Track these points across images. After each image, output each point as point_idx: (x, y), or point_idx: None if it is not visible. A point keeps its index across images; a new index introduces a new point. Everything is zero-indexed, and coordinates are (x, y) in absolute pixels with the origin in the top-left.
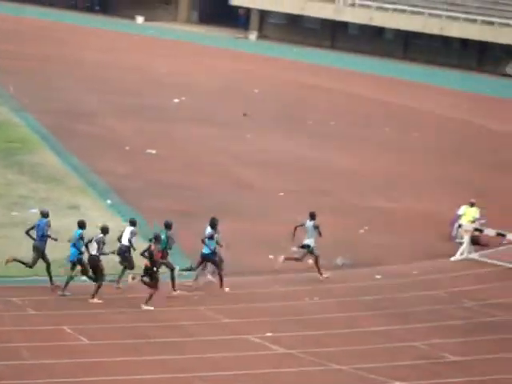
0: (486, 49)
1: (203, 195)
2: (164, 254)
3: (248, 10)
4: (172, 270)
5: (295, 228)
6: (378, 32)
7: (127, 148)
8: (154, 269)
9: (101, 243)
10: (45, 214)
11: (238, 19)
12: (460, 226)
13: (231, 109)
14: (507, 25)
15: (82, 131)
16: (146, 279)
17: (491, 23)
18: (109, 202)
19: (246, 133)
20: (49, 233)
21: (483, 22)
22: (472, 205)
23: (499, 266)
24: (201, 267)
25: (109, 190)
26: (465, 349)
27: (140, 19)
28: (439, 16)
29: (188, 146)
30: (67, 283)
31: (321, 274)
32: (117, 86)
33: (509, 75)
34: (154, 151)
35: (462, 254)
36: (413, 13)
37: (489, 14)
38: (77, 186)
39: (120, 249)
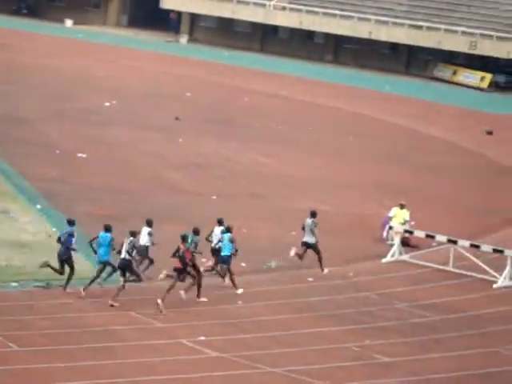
0: (414, 52)
1: (135, 199)
2: (192, 257)
3: (179, 14)
4: (194, 277)
5: (303, 228)
6: (308, 36)
7: (57, 152)
8: (188, 269)
9: (132, 246)
10: (71, 222)
11: (168, 23)
12: (391, 227)
13: (163, 113)
14: (435, 28)
15: (13, 136)
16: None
17: (419, 27)
18: (38, 206)
19: (178, 136)
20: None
21: (411, 25)
22: (402, 207)
23: (429, 267)
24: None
25: (39, 194)
26: (396, 349)
27: (69, 22)
28: (368, 20)
29: (119, 149)
30: (91, 282)
31: (322, 270)
32: (49, 89)
33: (436, 78)
34: (84, 155)
35: (392, 255)
36: (342, 17)
37: (416, 18)
38: (6, 190)
39: (139, 250)
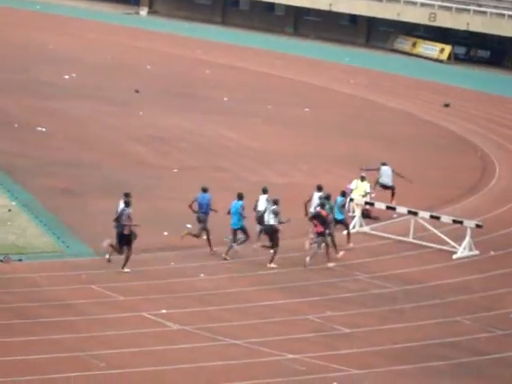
0: (374, 24)
1: (95, 173)
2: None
3: None
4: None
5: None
6: (269, 8)
7: (16, 126)
8: (327, 231)
9: (278, 213)
10: (205, 190)
11: None
12: (351, 199)
13: (123, 85)
14: (394, 0)
15: None
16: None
17: None
18: None
19: (139, 109)
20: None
21: None
22: (363, 179)
23: (389, 238)
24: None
25: None
26: (357, 320)
27: None
28: None
29: (80, 123)
30: (229, 249)
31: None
32: (6, 62)
33: (396, 50)
34: (44, 129)
35: (353, 227)
36: None
37: None
38: None
39: (260, 217)
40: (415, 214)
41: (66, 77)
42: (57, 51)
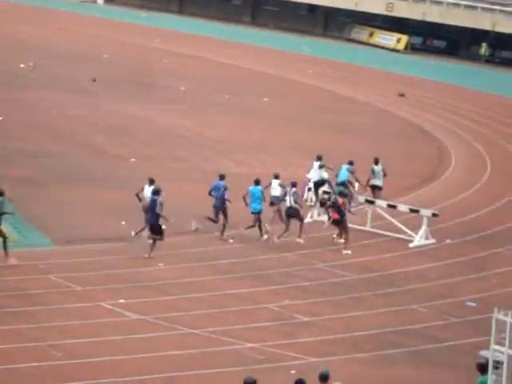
0: (332, 14)
1: (53, 162)
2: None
3: None
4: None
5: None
6: None
7: None
8: (343, 218)
9: (297, 195)
10: (222, 177)
11: None
12: (309, 189)
13: (80, 74)
14: None
15: None
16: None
17: None
18: None
19: (97, 99)
20: (226, 196)
21: None
22: (320, 167)
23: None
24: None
25: None
26: (315, 309)
27: None
28: None
29: (36, 112)
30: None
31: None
32: None
33: (354, 40)
34: (0, 118)
35: (311, 216)
36: None
37: None
38: None
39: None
40: (372, 203)
41: (22, 66)
42: (13, 40)
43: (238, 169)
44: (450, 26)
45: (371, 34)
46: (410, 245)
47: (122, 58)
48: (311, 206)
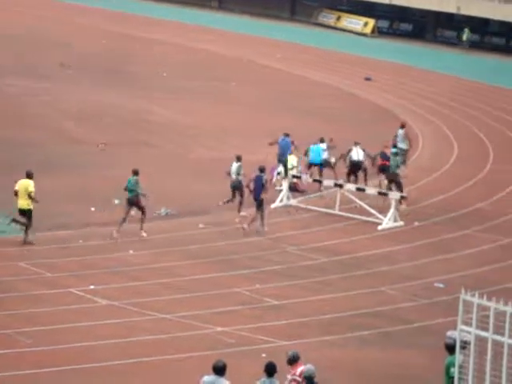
0: None
1: (21, 149)
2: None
3: None
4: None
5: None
6: None
7: None
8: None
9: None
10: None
11: None
12: (279, 173)
13: (50, 61)
14: None
15: None
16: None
17: None
18: None
19: (67, 85)
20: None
21: None
22: (290, 153)
23: (316, 211)
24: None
25: None
26: (286, 292)
27: None
28: None
29: (6, 99)
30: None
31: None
32: None
33: (321, 24)
34: None
35: (281, 200)
36: None
37: None
38: None
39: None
40: (341, 186)
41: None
42: None
43: (210, 153)
44: (416, 10)
45: (338, 18)
46: (379, 227)
47: (92, 44)
48: (280, 191)
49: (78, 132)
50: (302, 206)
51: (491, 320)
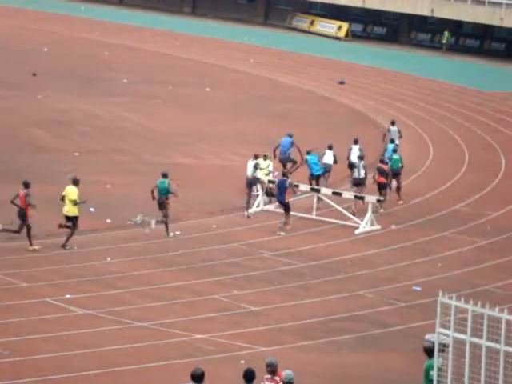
0: (272, 3)
1: None
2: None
3: None
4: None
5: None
6: None
7: None
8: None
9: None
10: (256, 156)
11: None
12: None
13: (20, 69)
14: None
15: None
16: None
17: None
18: None
19: (37, 93)
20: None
21: None
22: (265, 158)
23: (293, 216)
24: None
25: None
26: (263, 298)
27: None
28: None
29: None
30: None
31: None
32: None
33: (295, 29)
34: None
35: (257, 206)
36: None
37: None
38: None
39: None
40: (318, 191)
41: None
42: None
43: (184, 160)
44: (390, 13)
45: (312, 23)
46: (356, 231)
47: (63, 52)
48: (256, 196)
49: (48, 140)
50: (280, 211)
51: (469, 322)
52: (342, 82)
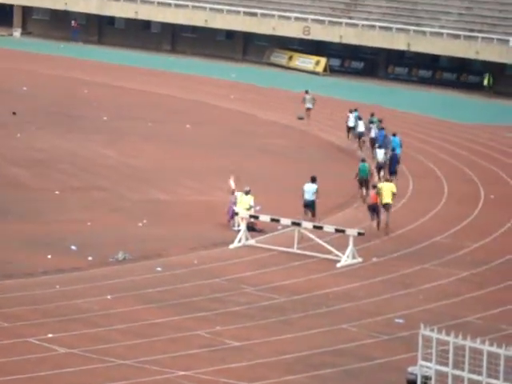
0: (250, 39)
1: None
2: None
3: (11, 7)
4: None
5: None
6: (145, 26)
7: None
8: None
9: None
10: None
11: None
12: (236, 213)
13: None
14: (269, 15)
15: None
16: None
17: (253, 14)
18: None
19: (16, 132)
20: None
21: (245, 13)
22: (247, 193)
23: (275, 250)
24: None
25: None
26: (246, 333)
27: None
28: (203, 8)
29: None
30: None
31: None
32: None
33: (273, 64)
34: None
35: (239, 241)
36: (177, 6)
37: (250, 6)
38: None
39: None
40: (299, 224)
41: None
42: None
43: (164, 195)
44: (367, 48)
45: (290, 58)
46: (338, 265)
47: (43, 90)
48: (237, 231)
49: (28, 178)
50: (261, 245)
51: (451, 355)
52: (300, 118)
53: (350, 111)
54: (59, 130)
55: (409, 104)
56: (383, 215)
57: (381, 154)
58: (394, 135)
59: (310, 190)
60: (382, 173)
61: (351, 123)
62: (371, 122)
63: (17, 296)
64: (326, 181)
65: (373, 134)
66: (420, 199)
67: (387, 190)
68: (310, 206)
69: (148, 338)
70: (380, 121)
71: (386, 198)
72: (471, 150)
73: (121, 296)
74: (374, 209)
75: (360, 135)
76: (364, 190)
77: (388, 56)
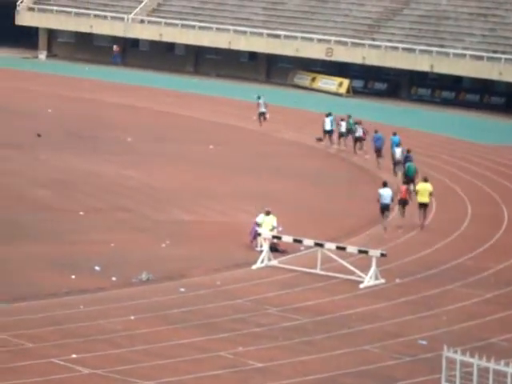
0: (274, 61)
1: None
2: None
3: (37, 30)
4: None
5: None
6: (169, 48)
7: None
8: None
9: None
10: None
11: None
12: (259, 234)
13: (24, 130)
14: (292, 37)
15: None
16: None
17: (277, 36)
18: None
19: (41, 153)
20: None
21: (269, 35)
22: (268, 213)
23: (297, 271)
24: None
25: None
26: (269, 354)
27: None
28: (227, 30)
29: None
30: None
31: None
32: None
33: (296, 86)
34: None
35: (262, 261)
36: (201, 28)
37: (273, 28)
38: None
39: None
40: (321, 245)
41: None
42: None
43: (187, 216)
44: (390, 69)
45: (313, 79)
46: (361, 285)
47: (67, 112)
48: (260, 252)
49: (53, 199)
50: (284, 266)
51: (475, 377)
52: (319, 139)
53: (326, 115)
54: (83, 151)
55: (432, 125)
56: (420, 213)
57: (399, 152)
58: (395, 134)
59: (386, 194)
60: (398, 171)
61: (328, 127)
62: (356, 124)
63: (41, 317)
64: (348, 201)
65: (358, 133)
66: (443, 220)
67: (424, 189)
68: (386, 209)
69: (171, 358)
70: (357, 123)
71: (424, 198)
72: (495, 171)
73: (144, 316)
74: (403, 203)
75: (342, 135)
76: (412, 186)
77: (411, 77)
